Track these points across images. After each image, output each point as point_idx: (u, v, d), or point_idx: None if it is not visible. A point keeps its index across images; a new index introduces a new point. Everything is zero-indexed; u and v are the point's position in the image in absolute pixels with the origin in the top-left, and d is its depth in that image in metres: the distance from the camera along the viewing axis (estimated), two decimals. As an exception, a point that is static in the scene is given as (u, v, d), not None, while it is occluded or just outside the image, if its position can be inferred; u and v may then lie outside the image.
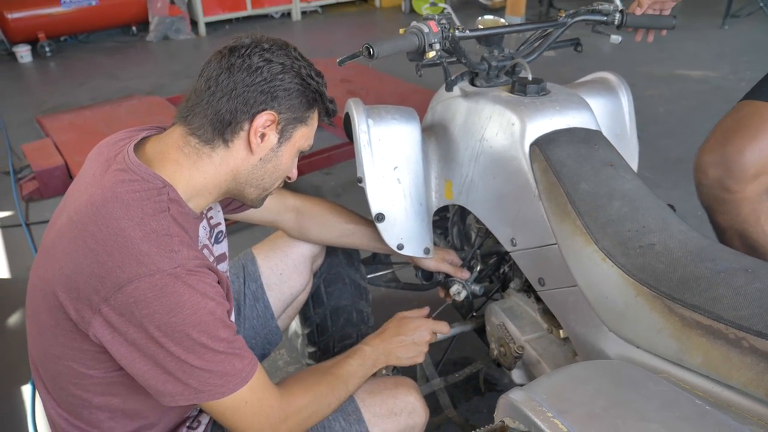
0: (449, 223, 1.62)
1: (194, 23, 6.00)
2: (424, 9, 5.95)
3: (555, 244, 1.10)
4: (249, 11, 6.32)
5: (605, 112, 1.40)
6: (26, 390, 1.80)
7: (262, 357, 1.37)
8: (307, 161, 2.76)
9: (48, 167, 2.75)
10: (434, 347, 1.50)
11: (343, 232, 1.35)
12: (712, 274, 0.88)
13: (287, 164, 0.95)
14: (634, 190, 1.10)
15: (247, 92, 0.86)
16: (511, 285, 1.36)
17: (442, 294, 1.47)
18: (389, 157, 1.28)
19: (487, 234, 1.42)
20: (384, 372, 1.27)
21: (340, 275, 1.52)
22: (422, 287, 1.58)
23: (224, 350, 0.83)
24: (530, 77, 1.25)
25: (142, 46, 5.66)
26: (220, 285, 0.87)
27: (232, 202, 1.14)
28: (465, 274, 1.39)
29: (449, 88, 1.30)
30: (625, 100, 1.43)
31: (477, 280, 1.43)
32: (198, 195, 0.90)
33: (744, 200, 1.39)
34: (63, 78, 4.85)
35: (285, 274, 1.35)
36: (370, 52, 1.09)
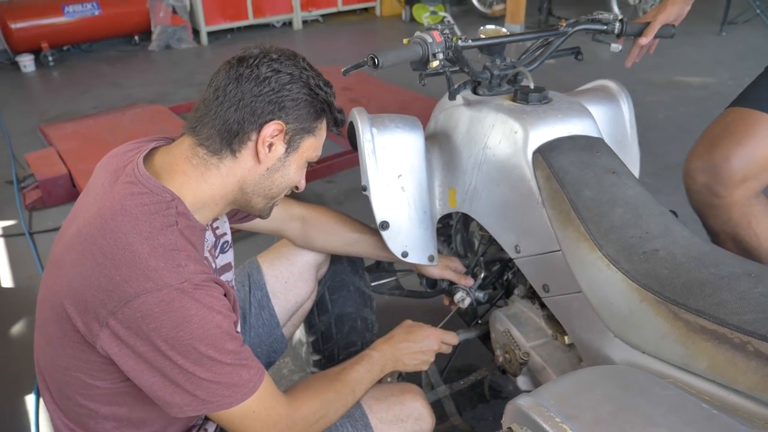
0: (452, 230, 1.63)
1: (196, 32, 6.03)
2: (425, 18, 5.99)
3: (559, 250, 1.11)
4: (250, 20, 6.36)
5: (606, 119, 1.41)
6: (30, 399, 1.81)
7: (267, 365, 1.37)
8: (309, 169, 2.76)
9: (51, 176, 2.77)
10: (438, 354, 1.51)
11: (347, 240, 1.36)
12: (715, 279, 0.89)
13: (295, 174, 0.96)
14: (637, 196, 1.11)
15: (255, 102, 0.87)
16: (516, 292, 1.36)
17: (446, 302, 1.47)
18: (393, 166, 1.30)
19: (490, 241, 1.43)
20: (389, 379, 1.28)
21: (344, 283, 1.53)
22: (426, 295, 1.59)
23: (231, 362, 0.84)
24: (532, 86, 1.27)
25: (145, 56, 5.70)
26: (227, 297, 0.87)
27: (239, 212, 1.15)
28: (469, 282, 1.40)
29: (452, 97, 1.32)
30: (626, 108, 1.45)
31: (481, 287, 1.44)
32: (205, 207, 0.91)
33: (733, 204, 1.40)
34: (66, 87, 4.88)
35: (290, 282, 1.36)
36: (375, 62, 1.11)
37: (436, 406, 1.45)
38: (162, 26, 5.76)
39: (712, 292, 0.86)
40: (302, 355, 1.81)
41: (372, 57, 1.11)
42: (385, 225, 1.29)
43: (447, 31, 1.20)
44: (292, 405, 0.95)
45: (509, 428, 0.73)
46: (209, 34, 6.07)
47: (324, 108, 0.94)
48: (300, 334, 1.75)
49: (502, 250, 1.39)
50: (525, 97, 1.25)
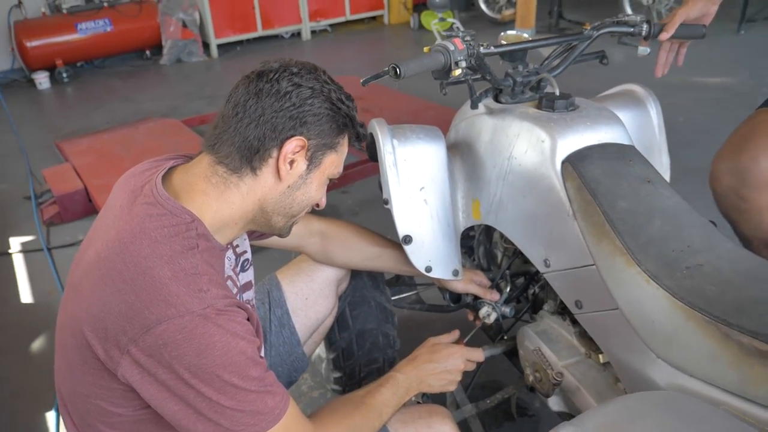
0: (475, 242, 1.58)
1: (206, 45, 6.06)
2: (433, 25, 5.95)
3: (593, 265, 1.06)
4: (259, 32, 6.37)
5: (634, 125, 1.36)
6: (50, 417, 1.78)
7: (288, 384, 1.33)
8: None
9: (68, 191, 2.77)
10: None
11: (368, 255, 1.32)
12: (768, 296, 0.83)
13: (316, 192, 0.92)
14: (675, 207, 1.05)
15: (276, 118, 0.83)
16: (545, 307, 1.31)
17: (471, 317, 1.42)
18: (415, 178, 1.25)
19: (515, 253, 1.38)
20: (414, 399, 1.23)
21: (365, 298, 1.49)
22: (448, 309, 1.53)
23: (256, 389, 0.80)
24: (557, 92, 1.22)
25: (156, 70, 5.72)
26: (250, 321, 0.84)
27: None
28: (494, 296, 1.35)
29: (474, 106, 1.27)
30: (654, 112, 1.40)
31: (507, 302, 1.39)
32: (225, 227, 0.88)
33: (763, 209, 1.35)
34: (80, 102, 4.90)
35: (311, 298, 1.32)
36: (396, 72, 1.07)
37: (462, 426, 1.39)
38: (172, 40, 5.78)
39: (766, 311, 0.80)
40: (321, 371, 1.76)
41: (393, 67, 1.07)
42: (408, 239, 1.25)
43: (469, 38, 1.16)
44: (318, 431, 0.90)
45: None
46: (219, 46, 6.09)
47: (346, 123, 0.90)
48: (320, 350, 1.71)
49: (528, 262, 1.34)
50: (550, 104, 1.20)
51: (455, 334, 1.21)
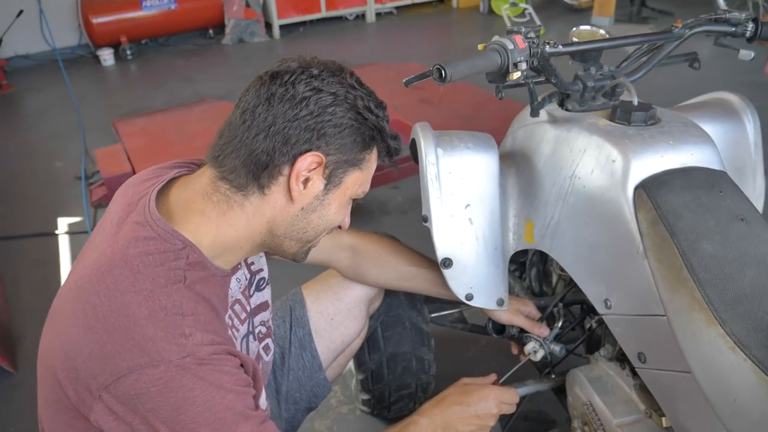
0: (527, 263, 1.42)
1: (269, 26, 6.03)
2: (504, 10, 5.66)
3: (663, 315, 0.88)
4: (323, 13, 6.28)
5: (727, 142, 1.16)
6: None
7: (308, 410, 1.23)
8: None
9: (116, 174, 2.75)
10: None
11: (404, 275, 1.18)
12: None
13: (336, 214, 0.79)
14: (775, 253, 0.86)
15: (289, 128, 0.71)
16: (601, 351, 1.13)
17: (515, 350, 1.27)
18: (460, 194, 1.10)
19: (571, 283, 1.21)
20: None
21: (399, 318, 1.36)
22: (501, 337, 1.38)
23: None
24: (636, 101, 1.03)
25: (218, 49, 5.74)
26: (244, 368, 0.72)
27: None
28: (543, 331, 1.19)
29: (535, 114, 1.10)
30: (751, 128, 1.20)
31: (557, 338, 1.22)
32: (227, 251, 0.77)
33: None
34: (141, 81, 4.97)
35: (336, 319, 1.20)
36: (441, 74, 0.91)
37: (498, 468, 1.26)
38: (235, 20, 5.78)
39: None
40: (351, 387, 1.65)
41: (438, 68, 0.92)
42: (447, 263, 1.10)
43: (532, 35, 0.99)
44: None
45: None
46: (282, 27, 6.04)
47: (374, 136, 0.76)
48: (351, 364, 1.60)
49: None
50: (626, 115, 1.03)
51: (491, 378, 1.06)
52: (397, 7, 6.78)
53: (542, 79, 1.07)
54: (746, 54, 1.13)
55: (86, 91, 4.66)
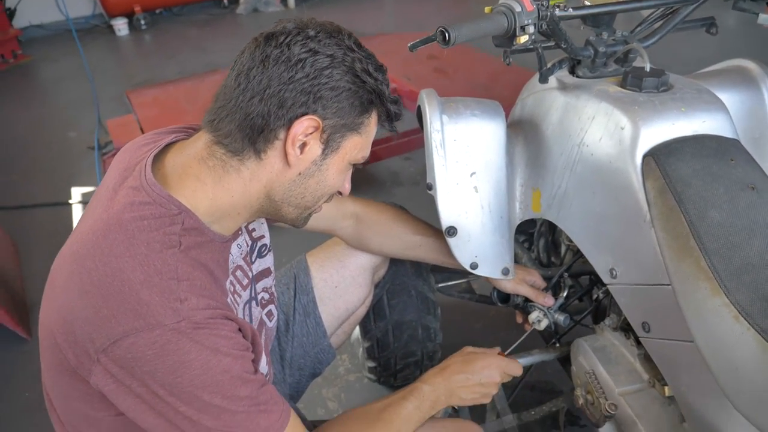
0: (535, 233, 1.41)
1: (284, -5, 5.96)
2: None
3: (668, 285, 0.87)
4: (339, -18, 6.18)
5: (742, 110, 1.13)
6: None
7: (312, 376, 1.24)
8: (385, 146, 2.59)
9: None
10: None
11: (408, 244, 1.18)
12: None
13: (335, 179, 0.79)
14: (785, 223, 0.84)
15: (284, 91, 0.70)
16: (606, 321, 1.13)
17: (519, 319, 1.26)
18: (466, 162, 1.09)
19: (578, 253, 1.20)
20: (445, 409, 1.10)
21: (405, 286, 1.36)
22: (502, 308, 1.38)
23: (245, 409, 0.70)
24: (648, 67, 1.00)
25: (232, 19, 5.71)
26: (242, 333, 0.73)
27: None
28: (548, 301, 1.18)
29: (544, 80, 1.07)
30: (769, 96, 1.14)
31: (562, 308, 1.21)
32: (225, 216, 0.77)
33: None
34: (155, 51, 4.97)
35: (341, 287, 1.20)
36: (445, 37, 0.89)
37: (502, 436, 1.27)
38: (250, -11, 5.73)
39: None
40: (359, 355, 1.67)
41: (442, 30, 0.90)
42: (452, 231, 1.10)
43: (541, -4, 0.96)
44: None
45: None
46: (297, -4, 5.97)
47: (372, 99, 0.75)
48: (358, 332, 1.61)
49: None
50: (638, 81, 1.00)
51: (496, 350, 1.06)
52: (414, -24, 6.65)
53: (552, 44, 1.04)
54: (765, 18, 1.09)
55: (100, 62, 4.67)
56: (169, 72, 4.27)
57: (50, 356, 0.74)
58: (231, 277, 0.82)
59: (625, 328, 1.09)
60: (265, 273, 0.97)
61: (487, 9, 0.98)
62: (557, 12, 0.97)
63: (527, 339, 1.24)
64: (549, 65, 1.08)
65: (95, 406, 0.74)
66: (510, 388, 1.38)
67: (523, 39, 0.94)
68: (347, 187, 0.83)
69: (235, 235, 0.84)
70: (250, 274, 0.90)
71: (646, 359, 1.03)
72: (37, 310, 0.76)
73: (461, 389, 0.99)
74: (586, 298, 1.33)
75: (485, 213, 1.11)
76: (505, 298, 1.25)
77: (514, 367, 1.04)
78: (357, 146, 0.77)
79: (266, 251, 0.97)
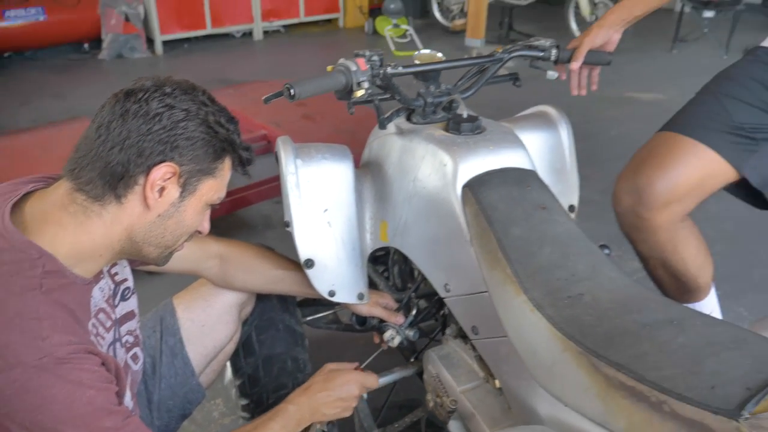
0: (390, 261, 1.57)
1: (150, 41, 5.86)
2: (387, 30, 5.94)
3: (486, 291, 1.06)
4: (209, 30, 6.21)
5: (545, 147, 1.37)
6: None
7: (182, 418, 1.27)
8: (255, 190, 2.67)
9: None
10: (375, 393, 1.44)
11: (270, 278, 1.28)
12: (637, 327, 0.84)
13: (193, 219, 0.88)
14: (566, 234, 1.06)
15: (143, 142, 0.78)
16: (447, 331, 1.30)
17: (377, 339, 1.40)
18: (319, 200, 1.22)
19: (424, 276, 1.37)
20: (319, 428, 1.20)
21: (273, 321, 1.44)
22: (362, 330, 1.51)
23: None
24: (465, 114, 1.22)
25: (94, 65, 5.49)
26: (105, 366, 0.78)
27: None
28: (399, 320, 1.33)
29: (383, 126, 1.26)
30: (565, 134, 1.41)
31: (414, 324, 1.37)
32: (86, 259, 0.82)
33: (658, 228, 1.40)
34: (4, 98, 4.63)
35: (207, 325, 1.26)
36: (290, 93, 1.04)
37: (370, 450, 1.37)
38: (113, 34, 5.56)
39: (632, 343, 0.81)
40: (233, 396, 1.71)
41: (288, 87, 1.04)
42: (309, 263, 1.22)
43: (375, 58, 1.14)
44: None
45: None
46: (164, 43, 5.90)
47: (225, 147, 0.86)
48: (230, 374, 1.65)
49: (434, 286, 1.33)
50: (457, 126, 1.20)
51: (354, 365, 1.19)
52: (284, 26, 6.86)
53: (388, 96, 1.22)
54: (552, 74, 1.36)
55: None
56: (21, 120, 4.02)
57: None
58: (93, 320, 0.86)
59: (463, 335, 1.27)
60: (128, 316, 1.01)
61: (329, 68, 1.15)
62: (389, 70, 1.16)
63: (390, 358, 1.38)
64: (387, 114, 1.26)
65: None
66: (381, 398, 1.51)
67: (360, 93, 1.11)
68: (206, 226, 0.93)
69: (97, 278, 0.88)
70: (113, 317, 0.94)
71: (480, 359, 1.20)
72: None
73: (323, 405, 1.09)
74: (438, 316, 1.50)
75: (339, 245, 1.25)
76: (363, 321, 1.38)
77: (371, 380, 1.17)
78: (213, 188, 0.87)
79: (129, 294, 1.02)
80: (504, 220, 1.07)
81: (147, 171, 0.79)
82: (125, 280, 1.00)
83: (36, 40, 5.36)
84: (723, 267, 1.56)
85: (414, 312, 1.36)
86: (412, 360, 1.47)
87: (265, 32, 6.65)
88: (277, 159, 1.25)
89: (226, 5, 6.23)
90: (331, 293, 1.24)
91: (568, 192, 1.40)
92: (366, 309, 1.30)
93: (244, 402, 1.51)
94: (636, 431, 0.75)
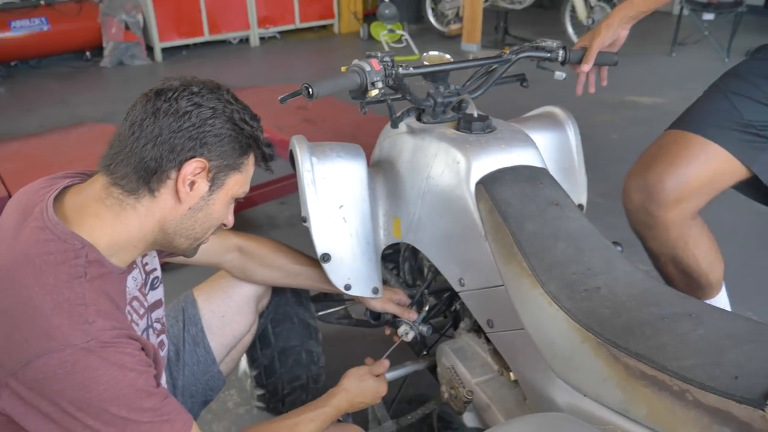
0: (400, 258, 1.59)
1: (150, 49, 5.91)
2: (382, 36, 5.99)
3: (502, 285, 1.08)
4: (206, 37, 6.26)
5: (553, 147, 1.40)
6: None
7: (204, 404, 1.30)
8: (260, 191, 2.70)
9: (-11, 199, 2.61)
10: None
11: (288, 272, 1.31)
12: (656, 319, 0.87)
13: (220, 212, 0.90)
14: (580, 229, 1.09)
15: (174, 138, 0.81)
16: (461, 324, 1.33)
17: (388, 332, 1.43)
18: (334, 196, 1.25)
19: (437, 271, 1.40)
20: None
21: (288, 315, 1.47)
22: (374, 325, 1.54)
23: (149, 420, 0.77)
24: (476, 114, 1.24)
25: (96, 72, 5.53)
26: (145, 351, 0.81)
27: None
28: (412, 316, 1.36)
29: (395, 125, 1.28)
30: (572, 134, 1.44)
31: (426, 319, 1.40)
32: (122, 250, 0.85)
33: (669, 225, 1.41)
34: (11, 105, 4.67)
35: (227, 316, 1.29)
36: (309, 92, 1.06)
37: (383, 442, 1.39)
38: (114, 42, 5.61)
39: (652, 334, 0.84)
40: (247, 387, 1.73)
41: (306, 87, 1.07)
42: (326, 257, 1.24)
43: (387, 59, 1.16)
44: None
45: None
46: (163, 50, 5.95)
47: (250, 143, 0.89)
48: (245, 365, 1.68)
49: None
50: (468, 125, 1.23)
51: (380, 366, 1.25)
52: (280, 32, 6.91)
53: (399, 96, 1.25)
54: (559, 75, 1.39)
55: (-55, 116, 4.31)
56: (29, 125, 4.05)
57: None
58: (128, 307, 0.90)
59: (477, 329, 1.29)
60: (157, 304, 1.05)
61: (343, 68, 1.17)
62: (401, 70, 1.19)
63: (400, 353, 1.40)
64: (399, 114, 1.29)
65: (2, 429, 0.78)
66: (394, 390, 1.53)
67: (374, 92, 1.14)
68: (231, 219, 0.95)
69: (131, 267, 0.92)
70: (145, 304, 0.97)
71: (495, 352, 1.23)
72: None
73: (359, 405, 1.19)
74: (449, 312, 1.53)
75: (354, 240, 1.28)
76: (377, 316, 1.41)
77: (378, 366, 1.26)
78: (238, 183, 0.90)
79: (158, 284, 1.05)
80: (518, 216, 1.09)
81: (179, 166, 0.82)
82: (154, 269, 1.03)
83: (40, 49, 5.43)
84: (730, 269, 1.58)
85: (426, 308, 1.39)
86: (425, 354, 1.49)
87: (261, 39, 6.69)
88: (291, 157, 1.28)
89: (222, 12, 6.29)
90: (347, 287, 1.27)
91: (576, 191, 1.42)
92: (380, 305, 1.33)
93: (260, 392, 1.54)
94: (657, 418, 0.77)
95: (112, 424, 0.75)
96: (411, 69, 1.21)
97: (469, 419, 1.25)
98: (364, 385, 1.19)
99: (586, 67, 1.38)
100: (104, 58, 5.64)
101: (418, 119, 1.32)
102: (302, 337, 1.49)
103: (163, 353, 1.06)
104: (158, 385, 0.82)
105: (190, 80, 0.86)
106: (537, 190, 1.15)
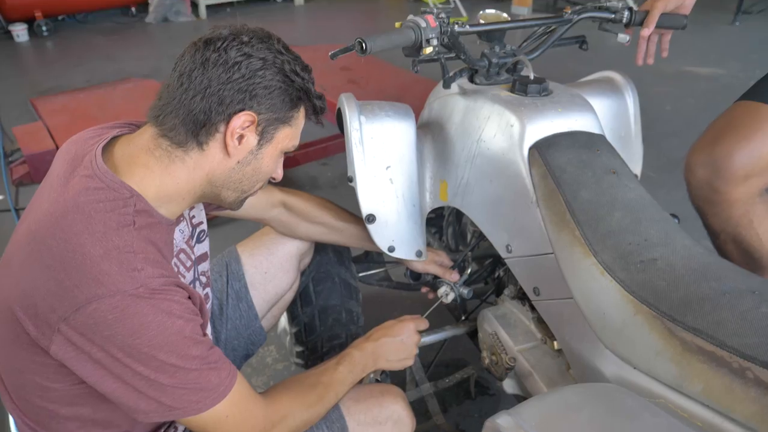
0: (444, 222, 1.57)
1: (195, 5, 5.92)
2: (430, -3, 5.84)
3: (552, 253, 1.05)
4: (251, -6, 6.23)
5: (610, 113, 1.34)
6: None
7: (245, 357, 1.33)
8: (303, 151, 2.70)
9: (38, 151, 2.69)
10: (424, 350, 1.46)
11: (331, 228, 1.30)
12: (716, 295, 0.83)
13: (269, 166, 0.89)
14: (637, 200, 1.04)
15: (223, 90, 0.79)
16: (505, 291, 1.31)
17: (430, 295, 1.42)
18: (382, 156, 1.23)
19: (481, 236, 1.38)
20: (372, 377, 1.23)
21: (329, 274, 1.48)
22: (414, 287, 1.54)
23: (197, 367, 0.78)
24: (532, 76, 1.20)
25: (141, 28, 5.58)
26: (192, 300, 0.82)
27: None
28: (454, 277, 1.34)
29: (447, 86, 1.24)
30: (631, 102, 1.37)
31: (468, 283, 1.38)
32: (170, 201, 0.85)
33: (734, 202, 1.34)
34: (59, 59, 4.77)
35: (270, 272, 1.30)
36: (362, 46, 1.03)
37: (420, 404, 1.41)
38: (160, -2, 5.64)
39: (711, 310, 0.80)
40: (286, 344, 1.76)
41: (360, 41, 1.04)
42: (371, 218, 1.23)
43: (443, 16, 1.12)
44: (270, 408, 0.90)
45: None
46: (208, 7, 5.95)
47: (301, 96, 0.86)
48: (285, 322, 1.71)
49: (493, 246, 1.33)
50: (523, 88, 1.18)
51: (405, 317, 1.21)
52: (326, -9, 6.82)
53: (453, 55, 1.20)
54: (623, 38, 1.31)
55: (-1, 68, 4.44)
56: (76, 80, 4.13)
57: (4, 331, 0.79)
58: (175, 259, 0.90)
59: (521, 297, 1.27)
60: (203, 257, 1.06)
61: (397, 24, 1.14)
62: (456, 28, 1.14)
63: (439, 318, 1.40)
64: (451, 73, 1.25)
65: (50, 377, 0.80)
66: (431, 353, 1.54)
67: (428, 50, 1.10)
68: (279, 173, 0.94)
69: (178, 220, 0.92)
70: (192, 257, 0.98)
71: (539, 321, 1.21)
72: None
73: (388, 351, 1.12)
74: (490, 279, 1.51)
75: (400, 202, 1.26)
76: (417, 276, 1.40)
77: (421, 322, 1.19)
78: (288, 136, 0.88)
79: (204, 237, 1.06)
80: (573, 183, 1.06)
81: (227, 119, 0.81)
82: (201, 223, 1.04)
83: (87, 3, 5.52)
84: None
85: (468, 271, 1.37)
86: (464, 320, 1.48)
87: (307, -2, 6.62)
88: (338, 116, 1.26)
89: (269, -30, 6.23)
90: (391, 249, 1.26)
91: (631, 161, 1.37)
92: (422, 266, 1.32)
93: (299, 349, 1.56)
94: (714, 395, 0.74)
95: (161, 371, 0.76)
96: (467, 27, 1.16)
97: (509, 386, 1.25)
98: (391, 330, 1.13)
99: (646, 31, 1.30)
100: (149, 14, 5.69)
101: (471, 80, 1.28)
102: (343, 296, 1.49)
103: (207, 306, 1.08)
104: (204, 334, 0.83)
105: (240, 29, 0.83)
106: (593, 157, 1.11)
